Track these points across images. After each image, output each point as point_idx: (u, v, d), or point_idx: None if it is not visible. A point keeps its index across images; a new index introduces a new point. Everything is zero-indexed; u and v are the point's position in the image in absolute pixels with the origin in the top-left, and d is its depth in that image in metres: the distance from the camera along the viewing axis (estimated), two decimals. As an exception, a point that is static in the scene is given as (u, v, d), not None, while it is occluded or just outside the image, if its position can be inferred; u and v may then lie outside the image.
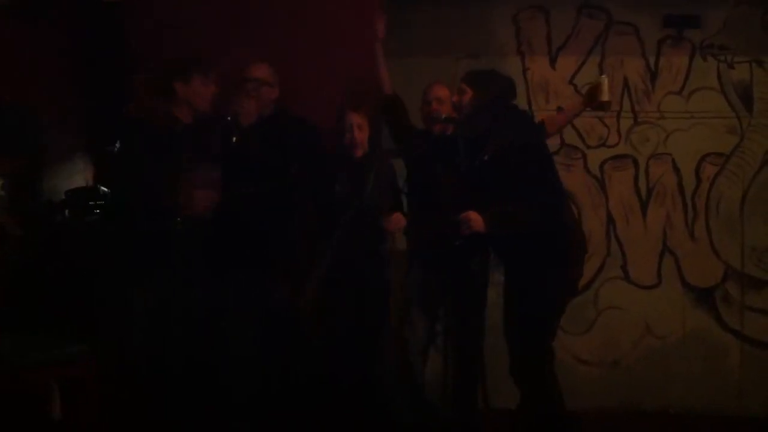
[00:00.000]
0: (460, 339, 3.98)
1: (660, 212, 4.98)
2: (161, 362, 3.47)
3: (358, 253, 3.79)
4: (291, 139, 3.88)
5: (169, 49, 4.03)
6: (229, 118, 3.86)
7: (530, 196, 3.56)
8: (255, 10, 4.25)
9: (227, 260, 3.71)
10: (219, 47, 4.05)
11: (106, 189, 4.11)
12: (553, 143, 4.85)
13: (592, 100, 3.97)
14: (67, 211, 4.27)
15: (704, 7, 4.88)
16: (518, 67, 4.99)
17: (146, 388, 3.45)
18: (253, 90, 3.86)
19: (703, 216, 4.95)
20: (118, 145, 3.70)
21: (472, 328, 3.98)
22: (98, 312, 3.54)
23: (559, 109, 4.69)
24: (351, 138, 3.90)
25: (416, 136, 4.15)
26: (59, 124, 4.32)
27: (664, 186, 4.98)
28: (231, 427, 3.68)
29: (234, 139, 3.80)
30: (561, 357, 4.75)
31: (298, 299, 3.69)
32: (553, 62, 5.04)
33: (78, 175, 4.44)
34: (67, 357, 3.05)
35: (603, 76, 3.97)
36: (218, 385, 3.66)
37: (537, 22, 5.01)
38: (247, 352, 3.71)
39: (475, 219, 3.60)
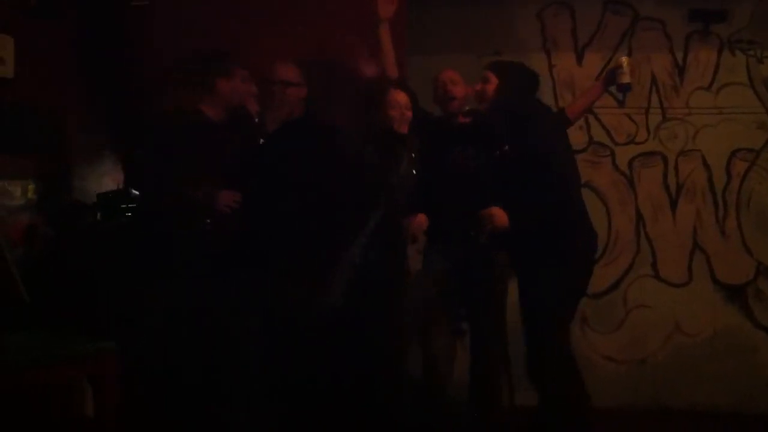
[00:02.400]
0: (484, 336, 3.96)
1: (690, 209, 4.92)
2: (183, 363, 3.50)
3: (381, 255, 3.77)
4: (319, 144, 3.87)
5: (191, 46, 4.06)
6: (256, 120, 3.89)
7: (544, 190, 3.53)
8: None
9: (251, 262, 3.72)
10: (243, 45, 4.07)
11: (135, 191, 4.17)
12: (580, 140, 4.88)
13: (611, 82, 3.93)
14: (98, 214, 4.33)
15: (730, 1, 4.83)
16: (544, 63, 4.97)
17: (167, 388, 3.49)
18: (280, 92, 3.86)
19: (734, 212, 4.88)
20: (146, 144, 3.74)
21: (494, 324, 3.96)
22: (125, 312, 3.58)
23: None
24: (400, 114, 3.83)
25: (429, 121, 4.07)
26: (86, 125, 4.39)
27: (694, 183, 4.93)
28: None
29: (261, 141, 3.82)
30: (589, 355, 4.81)
31: (321, 302, 3.67)
32: (579, 59, 5.01)
33: (107, 177, 4.50)
34: (94, 353, 3.09)
35: (624, 57, 3.91)
36: (237, 387, 3.67)
37: (562, 19, 4.99)
38: (267, 354, 3.72)
39: (499, 215, 3.59)
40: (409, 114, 3.87)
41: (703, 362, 4.82)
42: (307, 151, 3.77)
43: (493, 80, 3.75)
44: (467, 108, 3.96)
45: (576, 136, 4.71)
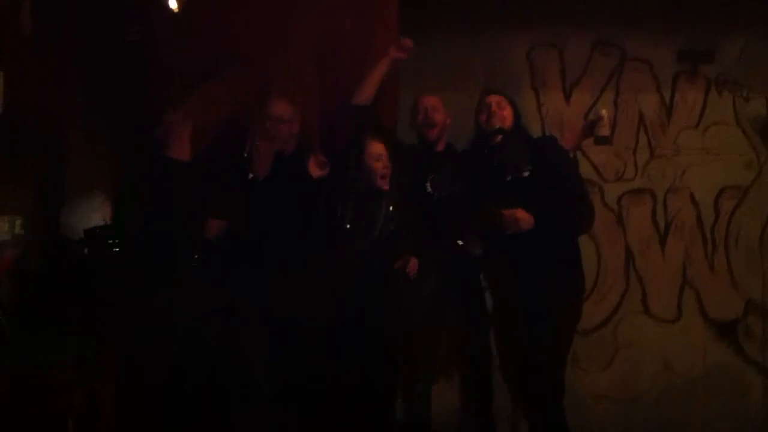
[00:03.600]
0: (471, 359, 3.94)
1: (679, 246, 4.95)
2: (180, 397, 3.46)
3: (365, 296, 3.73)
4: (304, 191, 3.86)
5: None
6: (245, 155, 3.88)
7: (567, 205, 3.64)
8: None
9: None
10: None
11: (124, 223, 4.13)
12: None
13: (589, 133, 4.00)
14: (86, 249, 4.29)
15: (719, 42, 4.92)
16: (533, 102, 5.00)
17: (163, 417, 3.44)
18: (272, 128, 3.86)
19: (723, 249, 4.91)
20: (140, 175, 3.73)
21: (481, 346, 3.94)
22: (115, 343, 3.54)
23: None
24: (383, 167, 3.82)
25: (404, 150, 4.09)
26: (76, 159, 4.36)
27: (683, 220, 4.96)
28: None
29: (250, 176, 3.81)
30: (580, 393, 4.77)
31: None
32: (567, 97, 5.05)
33: (96, 213, 4.46)
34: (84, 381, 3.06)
35: (603, 110, 4.00)
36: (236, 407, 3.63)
37: (551, 58, 5.03)
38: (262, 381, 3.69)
39: (524, 218, 3.59)
40: (390, 167, 3.84)
41: (696, 400, 4.81)
42: (293, 196, 3.77)
43: (508, 108, 3.84)
44: (498, 127, 3.95)
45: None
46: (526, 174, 3.75)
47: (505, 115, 4.00)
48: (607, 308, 4.93)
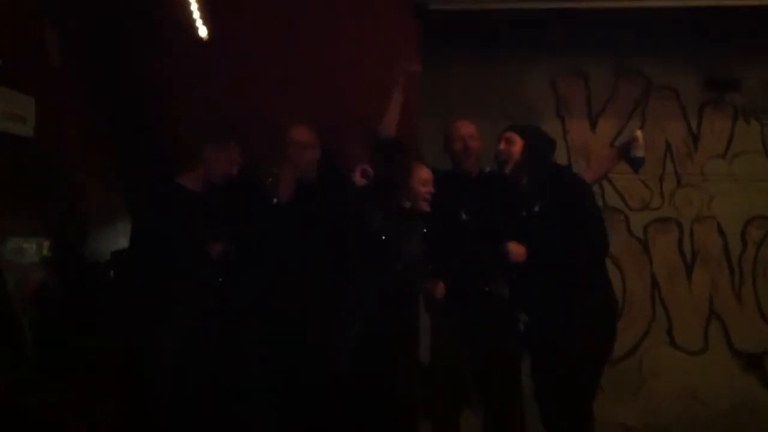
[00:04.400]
0: (499, 401, 3.88)
1: (705, 276, 4.91)
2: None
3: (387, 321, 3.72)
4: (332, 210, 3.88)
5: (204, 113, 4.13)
6: (270, 180, 3.90)
7: (577, 244, 3.58)
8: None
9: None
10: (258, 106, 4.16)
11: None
12: (594, 205, 4.87)
13: (625, 154, 3.95)
14: (112, 272, 4.32)
15: (745, 70, 4.90)
16: (558, 129, 5.00)
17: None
18: (295, 154, 3.89)
19: (751, 280, 4.87)
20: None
21: (510, 388, 3.88)
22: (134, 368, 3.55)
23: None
24: (428, 191, 3.80)
25: (438, 177, 4.02)
26: (104, 184, 4.42)
27: (709, 249, 4.92)
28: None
29: (275, 201, 3.84)
30: (606, 423, 4.68)
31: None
32: (593, 126, 5.05)
33: (122, 237, 4.50)
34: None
35: (639, 131, 3.95)
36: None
37: (576, 86, 5.05)
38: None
39: (516, 250, 3.59)
40: (432, 190, 3.86)
41: (723, 432, 4.73)
42: (318, 219, 3.79)
43: (518, 141, 3.79)
44: (488, 169, 3.96)
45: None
46: (537, 209, 3.71)
47: (475, 148, 3.98)
48: (633, 338, 4.89)
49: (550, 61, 4.98)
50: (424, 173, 3.83)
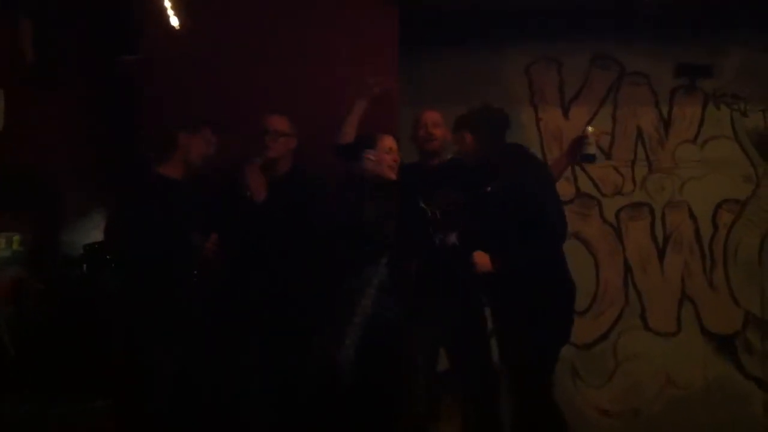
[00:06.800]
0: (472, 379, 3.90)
1: (677, 260, 4.96)
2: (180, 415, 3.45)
3: (392, 303, 3.71)
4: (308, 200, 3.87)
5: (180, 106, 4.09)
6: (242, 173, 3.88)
7: (531, 235, 3.55)
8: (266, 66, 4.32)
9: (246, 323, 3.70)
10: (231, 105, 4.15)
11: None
12: (568, 192, 4.92)
13: (576, 153, 3.97)
14: (84, 266, 4.28)
15: (716, 56, 4.95)
16: (532, 117, 5.04)
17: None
18: (271, 141, 3.87)
19: (722, 263, 4.93)
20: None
21: (483, 372, 3.90)
22: (118, 366, 3.52)
23: None
24: (393, 159, 3.83)
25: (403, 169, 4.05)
26: (77, 180, 4.37)
27: (681, 234, 4.98)
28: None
29: (248, 194, 3.81)
30: (582, 408, 4.79)
31: (327, 366, 3.60)
32: (566, 112, 5.07)
33: (95, 230, 4.46)
34: (89, 412, 3.03)
35: (590, 127, 3.96)
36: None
37: (550, 73, 5.06)
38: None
39: (481, 262, 3.60)
40: (399, 159, 3.87)
41: (696, 413, 4.81)
42: (298, 208, 3.77)
43: (468, 138, 3.81)
44: (450, 156, 3.97)
45: (564, 188, 4.75)
46: (489, 189, 3.71)
47: (437, 134, 4.00)
48: (606, 322, 4.94)
49: (525, 48, 4.99)
50: (388, 142, 3.84)
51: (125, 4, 4.35)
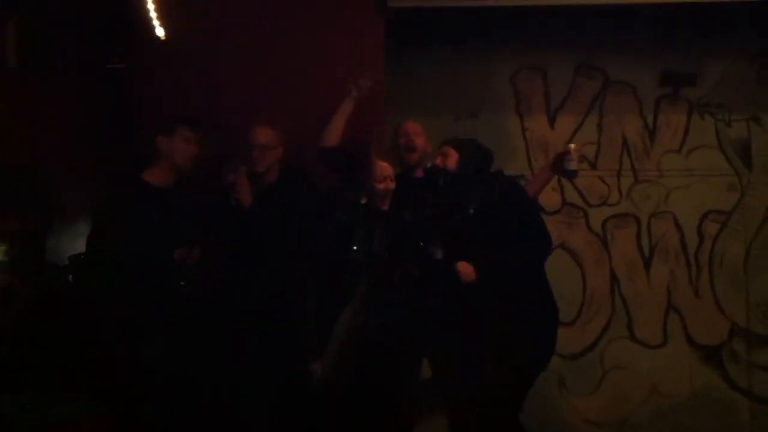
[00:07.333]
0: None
1: (663, 270, 4.96)
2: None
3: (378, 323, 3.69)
4: (297, 206, 3.87)
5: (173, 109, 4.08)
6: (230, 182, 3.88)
7: (515, 251, 3.60)
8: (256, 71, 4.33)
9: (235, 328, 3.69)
10: (222, 109, 4.15)
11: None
12: (554, 202, 4.93)
13: (559, 167, 4.00)
14: (70, 276, 4.26)
15: (700, 65, 4.96)
16: (517, 126, 5.04)
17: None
18: (258, 155, 3.88)
19: (707, 273, 4.93)
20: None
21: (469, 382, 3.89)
22: (104, 370, 3.51)
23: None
24: (386, 188, 3.77)
25: None
26: (66, 186, 4.35)
27: (667, 243, 4.98)
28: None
29: (236, 200, 3.82)
30: (569, 418, 4.77)
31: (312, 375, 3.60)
32: (551, 121, 5.08)
33: (82, 238, 4.44)
34: (72, 415, 3.01)
35: (573, 144, 4.00)
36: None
37: (535, 82, 5.07)
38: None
39: (464, 272, 3.60)
40: (392, 186, 3.83)
41: (682, 423, 4.81)
42: (286, 213, 3.77)
43: (453, 154, 3.83)
44: (429, 164, 3.97)
45: (550, 198, 4.78)
46: (471, 211, 3.73)
47: (418, 144, 4.01)
48: (593, 332, 4.94)
49: (509, 58, 5.00)
50: (382, 170, 3.81)
51: (125, 3, 4.34)
